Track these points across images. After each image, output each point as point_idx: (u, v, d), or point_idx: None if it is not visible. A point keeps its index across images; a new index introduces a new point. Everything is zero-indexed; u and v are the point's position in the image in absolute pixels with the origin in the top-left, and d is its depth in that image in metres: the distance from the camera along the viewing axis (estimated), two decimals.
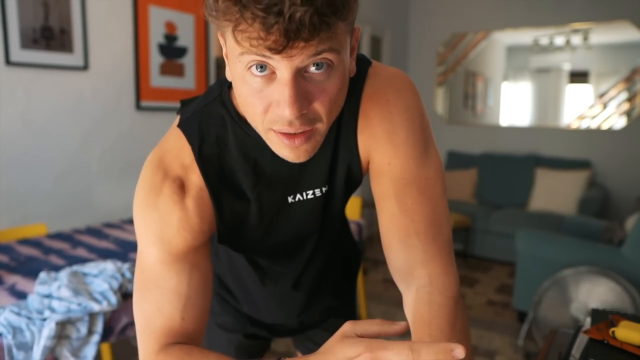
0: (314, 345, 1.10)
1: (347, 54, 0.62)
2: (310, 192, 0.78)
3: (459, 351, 0.50)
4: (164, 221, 0.70)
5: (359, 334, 0.56)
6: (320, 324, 1.10)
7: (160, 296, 0.71)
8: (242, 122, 0.71)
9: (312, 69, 0.57)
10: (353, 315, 1.16)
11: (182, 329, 0.72)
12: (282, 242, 0.84)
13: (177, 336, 0.72)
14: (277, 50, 0.53)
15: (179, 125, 0.73)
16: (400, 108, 0.73)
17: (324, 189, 0.78)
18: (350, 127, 0.75)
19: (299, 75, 0.57)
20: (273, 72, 0.57)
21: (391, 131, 0.73)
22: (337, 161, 0.77)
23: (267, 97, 0.58)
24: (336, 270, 1.05)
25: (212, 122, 0.73)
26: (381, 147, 0.74)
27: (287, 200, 0.78)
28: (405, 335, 0.60)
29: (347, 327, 0.57)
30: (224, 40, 0.61)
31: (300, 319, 1.03)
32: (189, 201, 0.71)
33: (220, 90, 0.74)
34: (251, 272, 0.93)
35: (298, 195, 0.78)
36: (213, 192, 0.72)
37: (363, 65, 0.75)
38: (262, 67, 0.56)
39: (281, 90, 0.56)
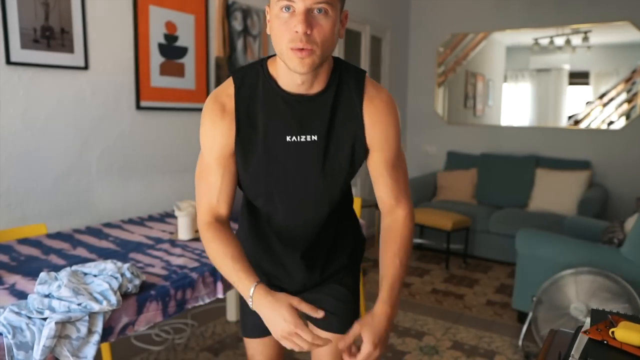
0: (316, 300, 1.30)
1: (338, 16, 1.01)
2: (304, 137, 1.09)
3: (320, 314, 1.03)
4: (208, 134, 1.10)
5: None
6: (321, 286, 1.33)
7: (206, 185, 1.14)
8: (269, 77, 1.10)
9: (316, 12, 0.97)
10: (353, 296, 1.36)
11: (217, 208, 1.14)
12: (287, 181, 1.13)
13: (214, 212, 1.14)
14: None
15: (230, 74, 1.14)
16: (394, 116, 1.15)
17: (315, 137, 1.09)
18: (356, 103, 1.11)
19: (308, 13, 0.96)
20: (294, 11, 0.96)
21: (386, 129, 1.14)
22: (335, 121, 1.10)
23: (290, 26, 0.97)
24: (341, 251, 1.31)
25: (251, 73, 1.11)
26: (378, 136, 1.13)
27: (286, 138, 1.09)
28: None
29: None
30: (269, 9, 1.02)
31: (305, 280, 1.28)
32: (225, 120, 1.09)
33: (261, 60, 1.14)
34: (272, 235, 1.22)
35: (294, 137, 1.09)
36: (237, 116, 1.09)
37: (361, 71, 1.16)
38: (287, 8, 0.97)
39: (298, 19, 0.96)
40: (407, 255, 1.16)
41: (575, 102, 4.62)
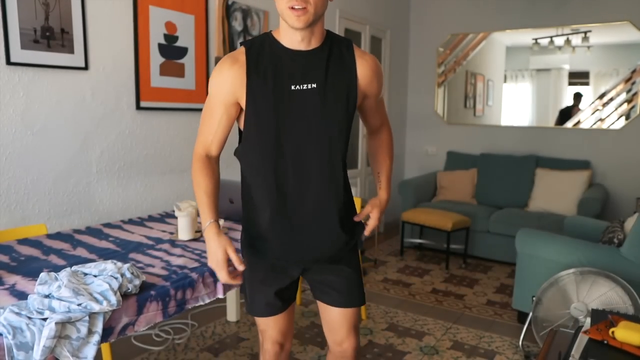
0: (323, 281, 1.49)
1: None
2: (305, 85, 1.30)
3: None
4: (217, 79, 1.31)
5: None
6: (329, 263, 1.47)
7: (206, 125, 1.36)
8: (274, 39, 1.32)
9: None
10: (356, 273, 1.53)
11: (210, 146, 1.38)
12: (293, 124, 1.30)
13: (207, 148, 1.38)
14: None
15: (241, 43, 1.34)
16: (380, 68, 1.42)
17: (314, 85, 1.30)
18: (349, 59, 1.35)
19: None
20: None
21: (377, 79, 1.41)
22: (329, 71, 1.32)
23: None
24: (346, 222, 1.44)
25: (258, 39, 1.34)
26: (372, 85, 1.41)
27: (291, 87, 1.29)
28: None
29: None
30: None
31: (315, 251, 1.42)
32: (234, 69, 1.29)
33: (266, 32, 1.36)
34: (279, 202, 1.35)
35: (297, 86, 1.29)
36: (248, 68, 1.29)
37: (349, 39, 1.40)
38: None
39: None
40: (392, 157, 1.59)
41: (576, 102, 4.62)
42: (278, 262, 1.43)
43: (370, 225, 1.47)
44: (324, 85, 1.30)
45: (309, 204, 1.36)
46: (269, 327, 1.51)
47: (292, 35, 1.28)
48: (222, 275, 1.31)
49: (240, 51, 1.31)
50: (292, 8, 1.20)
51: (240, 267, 1.30)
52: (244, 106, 1.31)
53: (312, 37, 1.30)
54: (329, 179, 1.36)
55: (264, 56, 1.30)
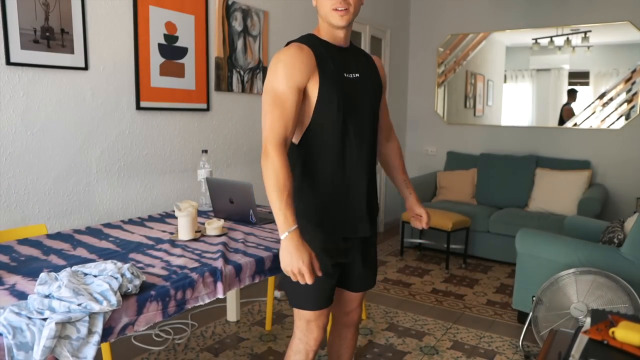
0: (363, 257, 1.67)
1: None
2: (352, 74, 1.53)
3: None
4: (291, 61, 1.41)
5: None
6: (368, 238, 1.67)
7: (281, 112, 1.40)
8: (319, 38, 1.51)
9: None
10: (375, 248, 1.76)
11: (290, 132, 1.42)
12: (352, 104, 1.50)
13: (287, 135, 1.41)
14: None
15: (292, 41, 1.50)
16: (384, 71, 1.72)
17: (357, 75, 1.54)
18: (369, 59, 1.66)
19: None
20: None
21: (386, 79, 1.71)
22: (362, 65, 1.59)
23: None
24: (376, 206, 1.68)
25: (305, 38, 1.51)
26: (384, 81, 1.69)
27: (344, 74, 1.51)
28: None
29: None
30: None
31: (364, 228, 1.59)
32: (305, 53, 1.43)
33: (307, 34, 1.54)
34: (343, 181, 1.53)
35: (346, 74, 1.51)
36: (315, 54, 1.45)
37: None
38: None
39: None
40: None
41: (576, 102, 4.62)
42: (340, 245, 1.56)
43: (426, 218, 1.77)
44: (363, 76, 1.56)
45: (363, 181, 1.56)
46: (323, 316, 1.60)
47: (335, 33, 1.50)
48: (309, 278, 1.35)
49: (298, 44, 1.45)
50: (336, 9, 1.42)
51: (319, 273, 1.38)
52: (314, 89, 1.44)
53: (348, 36, 1.54)
54: (373, 158, 1.60)
55: (319, 48, 1.47)
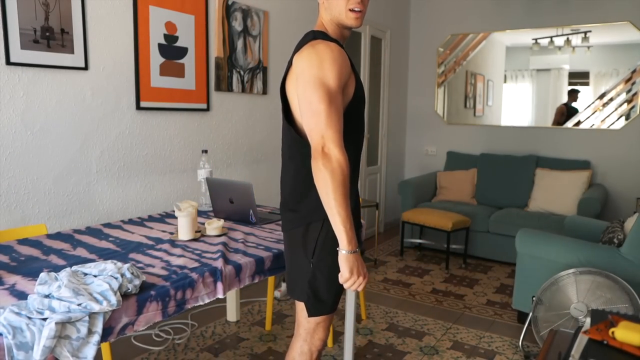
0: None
1: None
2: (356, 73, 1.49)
3: None
4: (341, 59, 1.34)
5: None
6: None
7: (337, 111, 1.30)
8: (332, 37, 1.46)
9: None
10: None
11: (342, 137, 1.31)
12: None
13: (341, 136, 1.29)
14: None
15: (317, 37, 1.41)
16: None
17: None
18: None
19: None
20: None
21: None
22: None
23: None
24: None
25: (329, 37, 1.43)
26: None
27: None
28: None
29: None
30: None
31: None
32: (345, 56, 1.37)
33: (316, 32, 1.45)
34: (357, 176, 1.53)
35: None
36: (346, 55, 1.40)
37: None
38: None
39: None
40: None
41: (576, 102, 4.62)
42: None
43: None
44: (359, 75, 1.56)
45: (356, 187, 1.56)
46: (332, 316, 1.59)
47: (343, 33, 1.49)
48: (363, 286, 1.37)
49: (334, 43, 1.39)
50: (353, 10, 1.40)
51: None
52: (349, 92, 1.39)
53: None
54: None
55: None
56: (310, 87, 1.29)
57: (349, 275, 1.32)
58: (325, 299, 1.49)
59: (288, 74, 1.44)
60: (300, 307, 1.54)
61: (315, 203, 1.36)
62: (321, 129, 1.26)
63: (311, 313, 1.51)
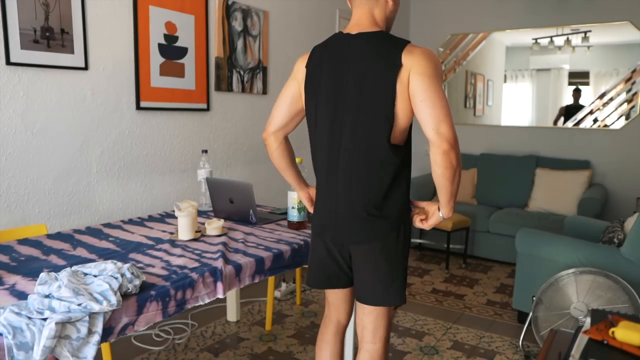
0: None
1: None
2: None
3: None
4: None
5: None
6: None
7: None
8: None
9: None
10: None
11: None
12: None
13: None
14: None
15: (406, 41, 1.46)
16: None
17: None
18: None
19: None
20: None
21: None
22: None
23: None
24: None
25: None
26: None
27: None
28: None
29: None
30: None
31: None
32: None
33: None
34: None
35: None
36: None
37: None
38: None
39: None
40: None
41: (576, 102, 4.62)
42: None
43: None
44: None
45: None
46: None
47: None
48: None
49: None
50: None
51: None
52: None
53: None
54: None
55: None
56: (437, 82, 1.37)
57: (431, 226, 1.56)
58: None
59: (398, 74, 1.39)
60: (375, 313, 1.58)
61: (401, 206, 1.51)
62: (448, 118, 1.35)
63: (403, 301, 1.59)
